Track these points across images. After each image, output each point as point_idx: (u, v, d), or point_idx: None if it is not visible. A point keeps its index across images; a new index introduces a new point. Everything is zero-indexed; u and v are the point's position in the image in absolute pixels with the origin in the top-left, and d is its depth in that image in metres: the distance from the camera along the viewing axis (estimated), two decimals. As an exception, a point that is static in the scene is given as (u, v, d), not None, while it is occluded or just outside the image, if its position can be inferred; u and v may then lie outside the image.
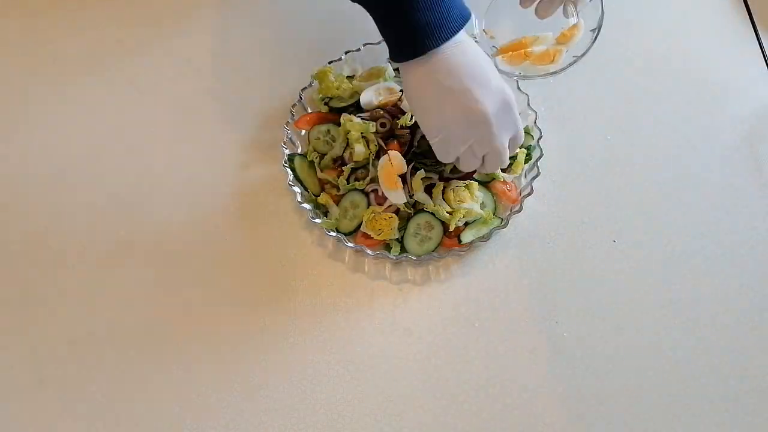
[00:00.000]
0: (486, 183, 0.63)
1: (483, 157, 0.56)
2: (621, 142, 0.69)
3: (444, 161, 0.57)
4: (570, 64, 0.62)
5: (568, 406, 0.57)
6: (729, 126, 0.69)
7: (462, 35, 0.53)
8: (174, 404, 0.57)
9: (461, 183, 0.61)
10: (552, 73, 0.63)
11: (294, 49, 0.75)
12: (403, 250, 0.61)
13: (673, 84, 0.72)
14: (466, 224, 0.61)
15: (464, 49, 0.52)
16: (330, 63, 0.68)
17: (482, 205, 0.62)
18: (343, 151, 0.64)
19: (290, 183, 0.62)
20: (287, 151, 0.64)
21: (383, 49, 0.70)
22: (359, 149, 0.61)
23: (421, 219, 0.61)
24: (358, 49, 0.69)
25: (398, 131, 0.61)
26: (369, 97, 0.64)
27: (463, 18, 0.52)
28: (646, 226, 0.64)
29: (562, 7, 0.61)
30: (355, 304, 0.61)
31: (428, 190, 0.61)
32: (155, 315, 0.61)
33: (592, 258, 0.63)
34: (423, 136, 0.61)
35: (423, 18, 0.50)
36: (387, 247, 0.61)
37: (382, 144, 0.61)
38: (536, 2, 0.60)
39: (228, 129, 0.70)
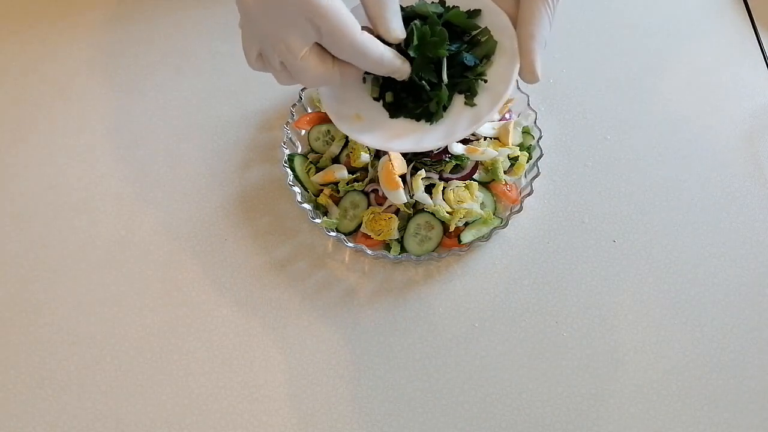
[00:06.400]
0: (486, 183, 0.63)
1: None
2: (621, 141, 0.69)
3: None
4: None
5: (568, 406, 0.57)
6: (729, 126, 0.69)
7: None
8: (174, 404, 0.57)
9: (461, 183, 0.61)
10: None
11: (294, 49, 0.75)
12: (403, 250, 0.61)
13: (673, 84, 0.72)
14: (466, 224, 0.61)
15: None
16: (330, 63, 0.68)
17: (482, 205, 0.62)
18: (341, 151, 0.64)
19: (290, 183, 0.62)
20: (287, 151, 0.64)
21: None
22: (365, 157, 0.61)
23: (421, 219, 0.61)
24: (358, 49, 0.69)
25: (398, 131, 0.61)
26: (369, 97, 0.64)
27: None
28: (646, 226, 0.64)
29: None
30: (355, 304, 0.61)
31: (428, 190, 0.61)
32: (155, 315, 0.61)
33: (592, 258, 0.63)
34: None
35: None
36: (387, 247, 0.61)
37: (383, 144, 0.61)
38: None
39: (228, 129, 0.70)
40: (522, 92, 0.67)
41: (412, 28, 0.47)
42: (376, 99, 0.51)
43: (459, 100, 0.50)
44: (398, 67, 0.47)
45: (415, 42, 0.47)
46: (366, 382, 0.58)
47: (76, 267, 0.63)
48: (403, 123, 0.50)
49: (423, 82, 0.48)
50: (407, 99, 0.50)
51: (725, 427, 0.56)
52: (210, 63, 0.74)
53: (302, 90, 0.67)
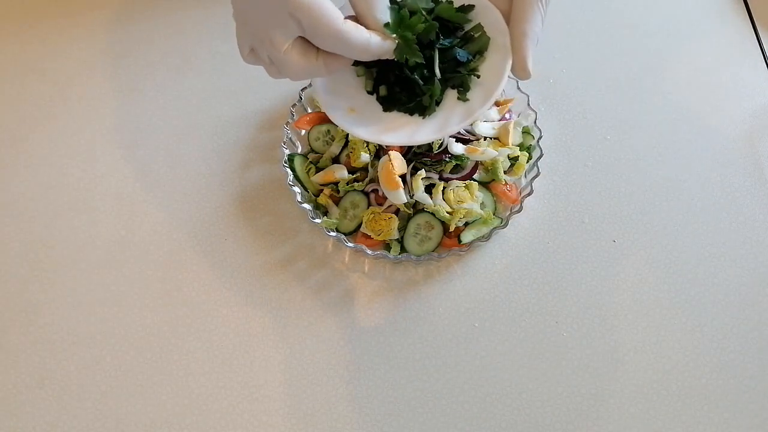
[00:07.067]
0: (486, 183, 0.63)
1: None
2: (621, 141, 0.69)
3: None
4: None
5: (568, 406, 0.57)
6: (729, 126, 0.69)
7: None
8: (174, 404, 0.57)
9: (461, 183, 0.61)
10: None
11: (294, 49, 0.75)
12: (403, 250, 0.61)
13: (673, 84, 0.72)
14: (466, 224, 0.61)
15: None
16: (330, 63, 0.68)
17: (482, 205, 0.62)
18: (341, 151, 0.64)
19: (290, 183, 0.62)
20: (287, 151, 0.64)
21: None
22: (365, 157, 0.61)
23: (421, 219, 0.61)
24: (358, 49, 0.69)
25: (398, 131, 0.61)
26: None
27: None
28: (646, 226, 0.64)
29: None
30: (355, 305, 0.61)
31: (428, 190, 0.61)
32: (155, 315, 0.61)
33: (592, 258, 0.63)
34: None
35: None
36: (387, 247, 0.61)
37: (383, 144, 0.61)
38: None
39: (228, 129, 0.70)
40: (522, 92, 0.67)
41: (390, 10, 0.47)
42: (370, 92, 0.52)
43: (452, 95, 0.50)
44: (387, 48, 0.46)
45: (393, 21, 0.46)
46: (366, 382, 0.58)
47: (76, 267, 0.63)
48: (396, 117, 0.51)
49: (415, 75, 0.48)
50: (401, 93, 0.50)
51: (725, 427, 0.56)
52: (210, 63, 0.74)
53: (302, 90, 0.67)
